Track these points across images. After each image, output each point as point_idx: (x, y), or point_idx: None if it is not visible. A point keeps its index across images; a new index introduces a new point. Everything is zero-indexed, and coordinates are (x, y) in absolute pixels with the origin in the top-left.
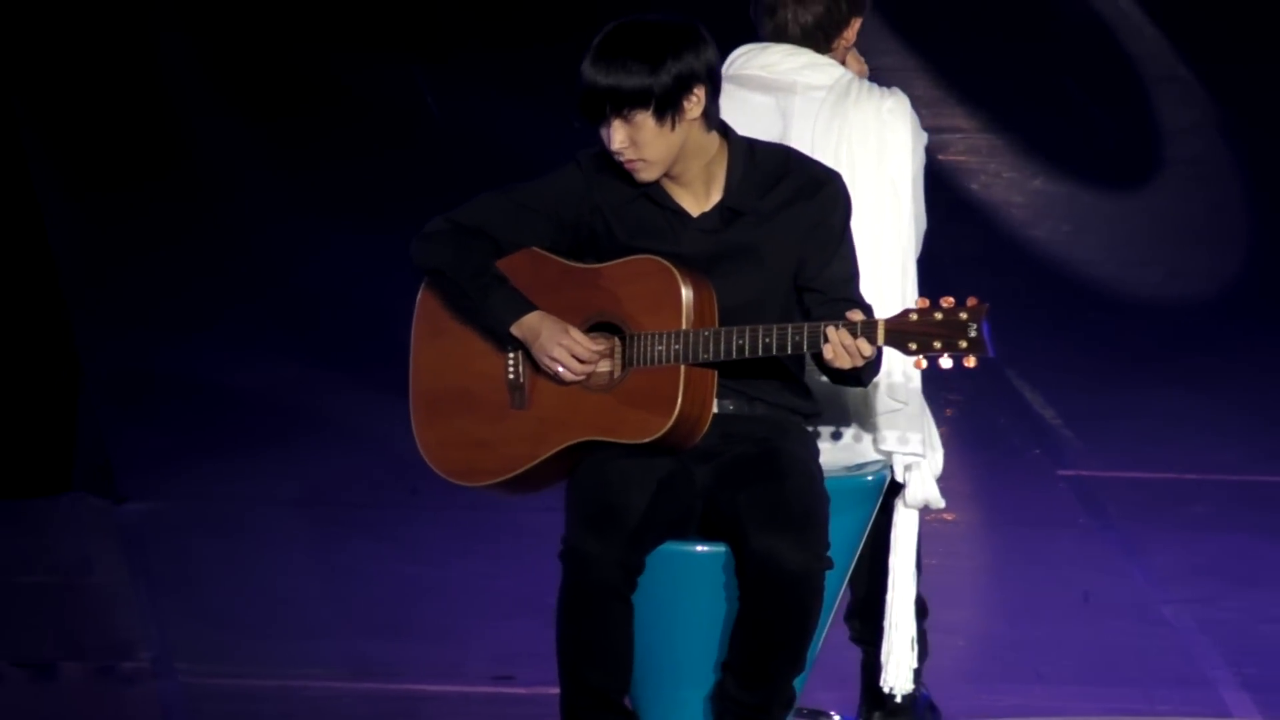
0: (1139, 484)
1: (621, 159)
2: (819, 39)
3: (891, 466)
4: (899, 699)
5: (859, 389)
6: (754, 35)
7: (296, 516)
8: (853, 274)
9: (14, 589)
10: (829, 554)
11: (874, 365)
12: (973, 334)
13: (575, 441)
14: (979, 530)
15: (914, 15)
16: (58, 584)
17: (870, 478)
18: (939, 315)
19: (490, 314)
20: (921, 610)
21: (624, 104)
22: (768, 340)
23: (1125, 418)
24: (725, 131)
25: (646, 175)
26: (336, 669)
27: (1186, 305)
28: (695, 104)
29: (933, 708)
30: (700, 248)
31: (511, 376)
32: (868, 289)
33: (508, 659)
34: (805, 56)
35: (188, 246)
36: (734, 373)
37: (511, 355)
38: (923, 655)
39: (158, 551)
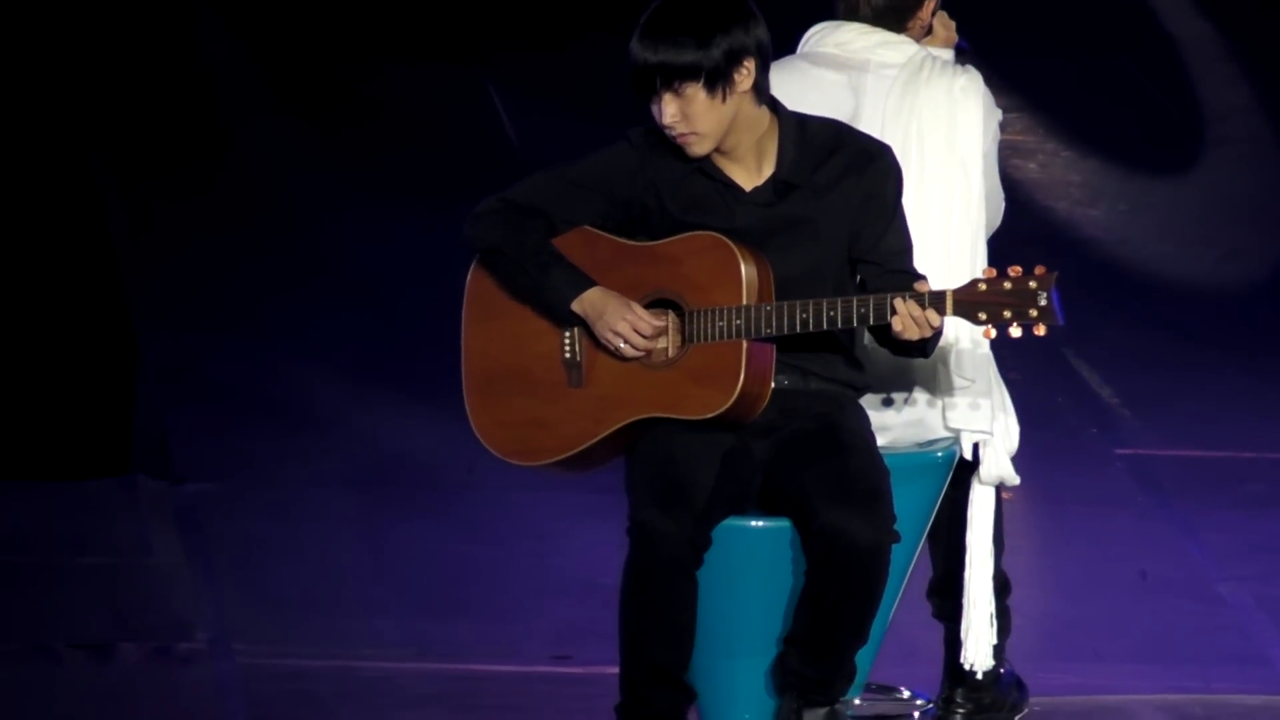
0: (1196, 462)
1: (673, 133)
2: (890, 20)
3: (960, 443)
4: (979, 675)
5: (924, 365)
6: (830, 14)
7: (353, 497)
8: (907, 245)
9: (72, 570)
10: (896, 528)
11: (938, 336)
12: (1042, 302)
13: (636, 419)
14: (1036, 509)
15: None
16: (115, 565)
17: (940, 454)
18: (1008, 285)
19: (550, 291)
20: (1004, 586)
21: (674, 78)
22: (832, 314)
23: (1182, 397)
24: (775, 106)
25: (698, 149)
26: (393, 649)
27: (1244, 284)
28: (745, 76)
29: (1019, 685)
30: (753, 221)
31: (568, 355)
32: (940, 267)
33: (565, 638)
34: (879, 35)
35: (244, 232)
36: (788, 347)
37: (567, 333)
38: (1005, 631)
39: (215, 532)
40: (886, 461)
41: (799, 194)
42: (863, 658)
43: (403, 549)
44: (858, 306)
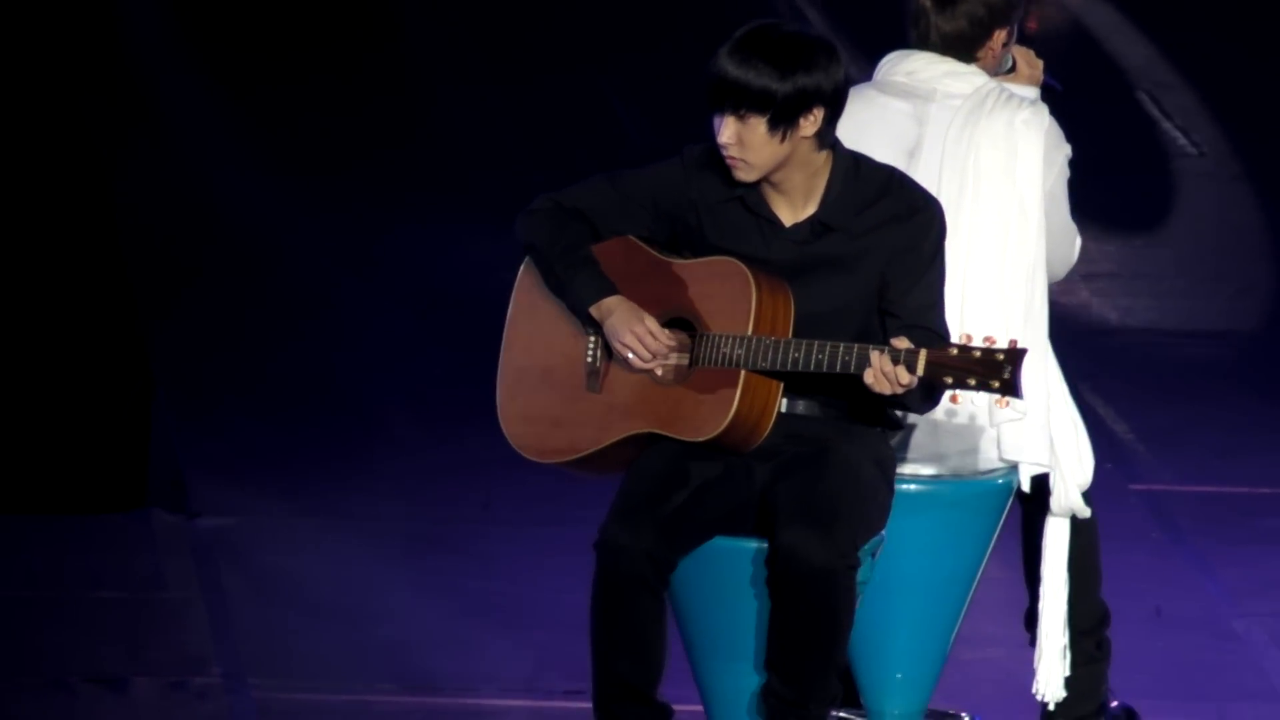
0: (1211, 498)
1: (725, 153)
2: (959, 49)
3: (1019, 473)
4: (1051, 706)
5: (976, 396)
6: (904, 42)
7: (368, 532)
8: (934, 301)
9: (88, 604)
10: (859, 554)
11: (921, 396)
12: (1006, 376)
13: (637, 432)
14: None
15: None
16: (131, 599)
17: (1000, 480)
18: (978, 354)
19: (573, 293)
20: (1103, 618)
21: (743, 103)
22: (820, 357)
23: (1197, 432)
24: (835, 146)
25: (744, 176)
26: (408, 684)
27: (1258, 319)
28: (811, 123)
29: (1130, 715)
30: (788, 256)
31: (590, 360)
32: (994, 301)
33: (580, 674)
34: (947, 64)
35: (256, 270)
36: (813, 377)
37: (592, 338)
38: (1105, 660)
39: (230, 566)
40: (941, 490)
41: (836, 235)
42: (920, 683)
43: (417, 584)
44: (843, 353)
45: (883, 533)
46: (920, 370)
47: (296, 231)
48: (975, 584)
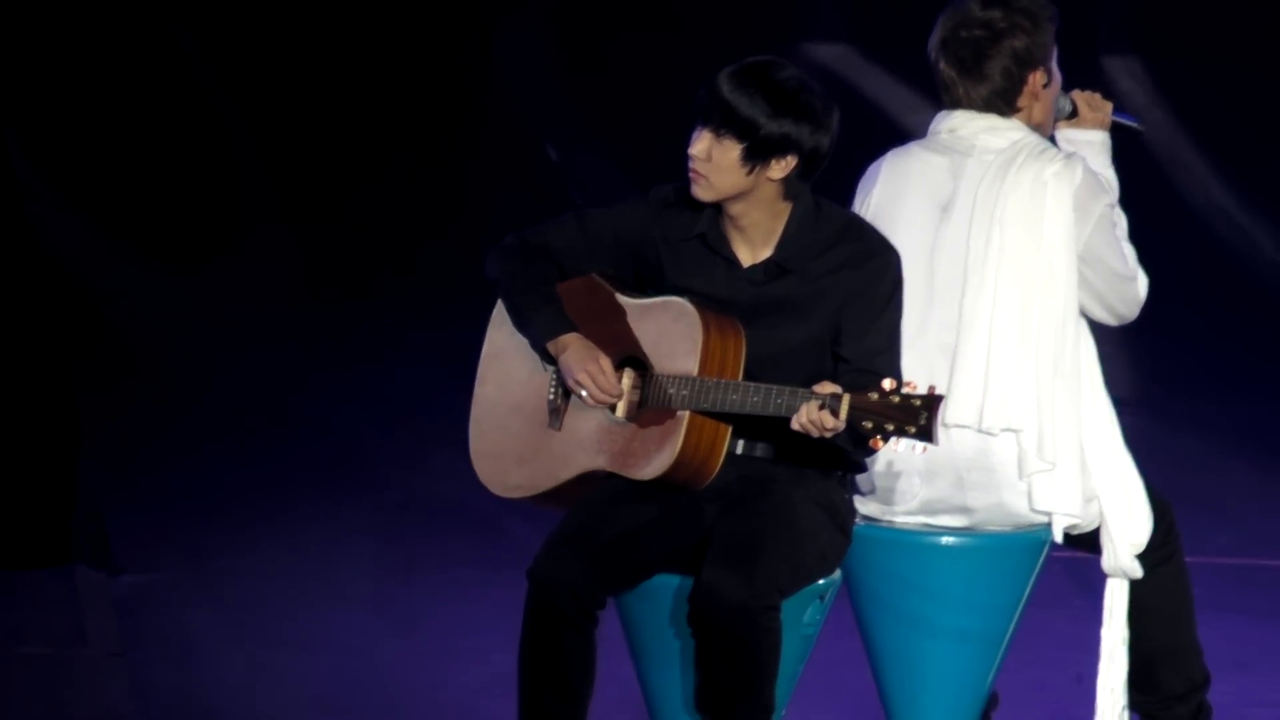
0: None
1: (691, 164)
2: (999, 105)
3: (1053, 526)
4: None
5: (1005, 448)
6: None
7: (291, 590)
8: (885, 348)
9: (9, 660)
10: (780, 596)
11: (852, 441)
12: (922, 421)
13: (590, 470)
14: None
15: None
16: (52, 655)
17: (1034, 534)
18: (896, 399)
19: (533, 329)
20: (1200, 683)
21: (725, 124)
22: (755, 399)
23: None
24: (798, 195)
25: (702, 193)
26: None
27: (1178, 385)
28: (781, 168)
29: None
30: (745, 296)
31: (551, 397)
32: (1011, 354)
33: None
34: (987, 120)
35: (185, 321)
36: (762, 418)
37: (553, 377)
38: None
39: (153, 624)
40: (974, 543)
41: (791, 278)
42: None
43: (340, 643)
44: (775, 396)
45: (835, 576)
46: (843, 415)
47: (221, 289)
48: (1010, 635)
